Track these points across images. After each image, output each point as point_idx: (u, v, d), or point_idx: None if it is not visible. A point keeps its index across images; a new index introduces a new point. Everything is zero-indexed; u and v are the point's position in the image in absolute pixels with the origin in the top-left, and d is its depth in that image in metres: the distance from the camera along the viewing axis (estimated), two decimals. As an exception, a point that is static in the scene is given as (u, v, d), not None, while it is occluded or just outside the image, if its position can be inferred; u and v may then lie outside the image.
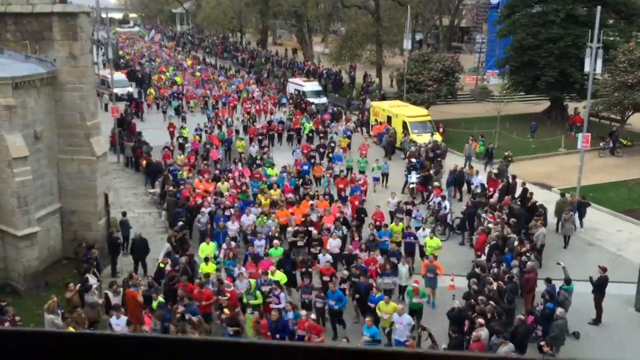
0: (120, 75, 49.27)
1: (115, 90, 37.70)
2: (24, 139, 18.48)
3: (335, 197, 24.67)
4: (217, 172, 27.49)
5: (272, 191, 24.12)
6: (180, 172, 27.04)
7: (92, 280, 16.96)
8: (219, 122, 38.48)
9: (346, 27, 65.16)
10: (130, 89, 48.81)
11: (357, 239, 19.96)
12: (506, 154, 29.49)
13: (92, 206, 20.83)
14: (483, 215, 21.83)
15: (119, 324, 14.82)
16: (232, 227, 20.98)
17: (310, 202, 22.76)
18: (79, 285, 16.48)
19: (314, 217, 21.56)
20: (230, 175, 26.92)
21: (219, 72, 64.36)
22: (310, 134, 36.88)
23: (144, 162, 29.47)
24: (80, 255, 18.95)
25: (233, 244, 19.71)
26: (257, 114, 43.50)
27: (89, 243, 19.47)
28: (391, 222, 21.84)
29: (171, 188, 24.46)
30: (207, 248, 19.14)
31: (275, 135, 36.99)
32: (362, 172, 28.25)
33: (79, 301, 15.94)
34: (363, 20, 55.60)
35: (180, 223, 21.34)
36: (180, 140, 33.73)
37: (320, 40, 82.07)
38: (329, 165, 29.26)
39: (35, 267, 18.87)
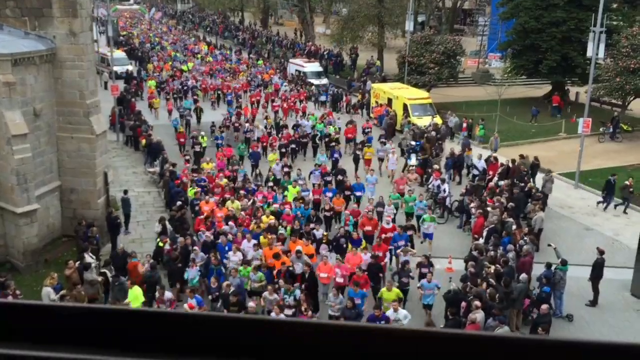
0: (120, 53, 49.11)
1: (115, 68, 37.51)
2: (24, 117, 18.46)
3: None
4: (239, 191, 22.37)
5: (264, 217, 19.65)
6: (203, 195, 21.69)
7: (89, 258, 17.06)
8: (236, 125, 32.81)
9: (348, 8, 64.67)
10: (130, 67, 48.59)
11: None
12: (627, 183, 24.53)
13: (91, 184, 20.87)
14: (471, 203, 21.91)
15: None
16: (234, 258, 17.23)
17: (298, 247, 17.42)
18: (78, 262, 16.60)
19: (297, 268, 16.72)
20: (249, 196, 22.02)
21: (235, 59, 57.28)
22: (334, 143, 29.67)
23: (144, 141, 29.47)
24: (80, 233, 19.04)
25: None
26: (284, 113, 36.68)
27: (89, 221, 19.56)
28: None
29: (170, 167, 24.50)
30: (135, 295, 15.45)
31: (300, 147, 30.47)
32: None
33: (79, 278, 16.06)
34: (365, 1, 55.18)
35: (179, 202, 21.43)
36: (197, 149, 28.38)
37: (321, 21, 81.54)
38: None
39: (34, 245, 18.96)
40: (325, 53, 56.92)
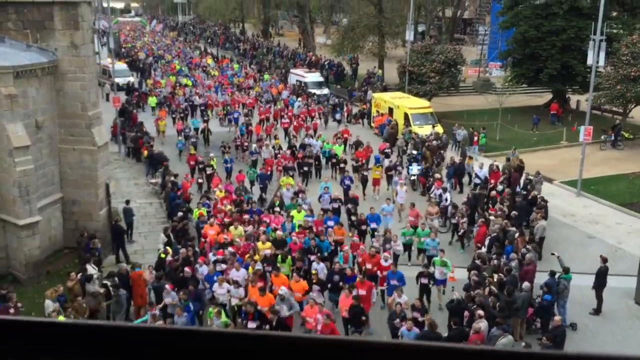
0: (121, 65, 49.31)
1: (117, 80, 37.63)
2: (25, 129, 18.50)
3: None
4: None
5: (259, 243, 18.16)
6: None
7: (92, 270, 17.04)
8: (245, 144, 31.29)
9: (348, 19, 64.96)
10: (132, 79, 48.81)
11: None
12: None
13: (93, 196, 20.87)
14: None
15: None
16: (220, 291, 16.16)
17: (281, 290, 15.41)
18: (79, 274, 16.58)
19: (283, 311, 15.00)
20: (253, 218, 20.67)
21: (242, 73, 54.55)
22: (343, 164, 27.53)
23: (145, 152, 29.52)
24: (82, 244, 19.03)
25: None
26: (295, 131, 34.44)
27: (91, 233, 19.54)
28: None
29: (172, 179, 24.52)
30: None
31: (310, 168, 28.10)
32: (406, 245, 19.68)
33: (80, 290, 16.03)
34: (365, 11, 55.46)
35: (181, 213, 21.42)
36: (209, 171, 26.70)
37: (322, 31, 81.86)
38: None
39: (36, 256, 18.94)
40: (326, 63, 57.11)
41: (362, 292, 15.67)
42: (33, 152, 18.82)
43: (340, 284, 16.29)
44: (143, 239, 22.26)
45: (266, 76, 53.01)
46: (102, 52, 50.64)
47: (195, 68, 57.66)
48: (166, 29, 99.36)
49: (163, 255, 18.27)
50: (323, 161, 29.23)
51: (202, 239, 19.52)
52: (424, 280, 16.47)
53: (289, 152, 28.87)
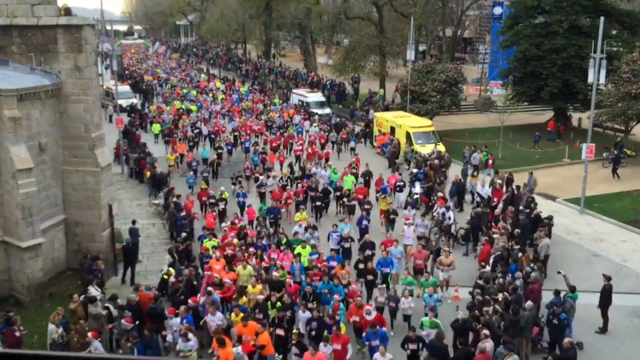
0: (124, 87, 49.67)
1: (120, 102, 37.83)
2: (29, 151, 18.55)
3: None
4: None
5: (250, 287, 16.92)
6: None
7: (95, 292, 16.97)
8: (257, 175, 28.84)
9: (349, 39, 65.42)
10: (135, 101, 49.11)
11: None
12: None
13: (96, 217, 20.86)
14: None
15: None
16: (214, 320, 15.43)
17: (235, 351, 13.98)
18: (82, 296, 16.49)
19: None
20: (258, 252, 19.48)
21: (250, 97, 52.67)
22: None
23: (148, 173, 29.58)
24: (85, 266, 18.97)
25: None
26: (309, 159, 32.77)
27: (94, 254, 19.49)
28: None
29: (174, 199, 24.52)
30: None
31: (321, 204, 26.03)
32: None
33: (83, 312, 15.94)
34: (366, 31, 55.87)
35: (184, 234, 21.39)
36: (222, 206, 24.93)
37: (323, 51, 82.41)
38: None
39: (39, 279, 18.87)
40: (327, 83, 57.41)
41: (337, 346, 14.16)
42: (36, 174, 18.84)
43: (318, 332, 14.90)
44: (146, 260, 22.18)
45: (276, 100, 51.34)
46: (105, 74, 51.01)
47: (202, 92, 55.71)
48: (169, 50, 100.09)
49: (166, 277, 18.20)
50: (331, 194, 26.83)
51: (205, 272, 18.23)
52: (413, 346, 14.51)
53: (300, 185, 26.53)
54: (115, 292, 17.89)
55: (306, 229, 21.38)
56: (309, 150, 34.13)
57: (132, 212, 26.75)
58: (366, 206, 24.09)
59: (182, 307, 15.63)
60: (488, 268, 18.83)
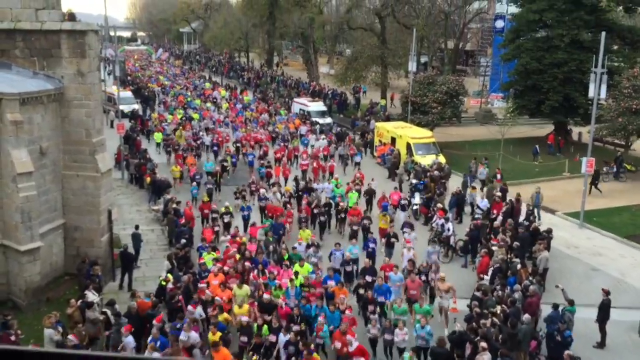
0: (126, 93, 49.73)
1: (121, 107, 37.89)
2: (30, 155, 18.56)
3: None
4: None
5: (236, 307, 16.39)
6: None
7: (92, 297, 16.92)
8: (259, 187, 27.77)
9: (352, 49, 65.63)
10: (136, 106, 49.16)
11: None
12: None
13: (95, 222, 20.83)
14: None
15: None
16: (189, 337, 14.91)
17: None
18: (80, 301, 16.45)
19: None
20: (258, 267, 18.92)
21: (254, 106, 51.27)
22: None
23: (148, 179, 29.58)
24: (83, 271, 18.93)
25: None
26: (315, 174, 31.80)
27: (92, 259, 19.46)
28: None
29: (174, 206, 24.51)
30: None
31: (325, 219, 24.96)
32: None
33: (80, 317, 15.89)
34: (369, 42, 56.06)
35: (183, 241, 21.35)
36: (227, 219, 24.36)
37: (325, 61, 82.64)
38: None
39: (37, 283, 18.83)
40: (329, 92, 57.52)
41: None
42: (36, 178, 18.84)
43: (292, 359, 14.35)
44: (144, 266, 22.14)
45: (282, 111, 49.71)
46: (108, 79, 51.11)
47: (206, 101, 54.52)
48: (172, 57, 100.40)
49: (164, 283, 18.16)
50: (333, 209, 25.64)
51: (200, 285, 17.55)
52: None
53: (304, 202, 25.47)
54: (113, 297, 17.82)
55: (308, 247, 20.67)
56: (314, 164, 32.66)
57: (132, 217, 26.73)
58: (365, 221, 23.46)
59: (154, 328, 14.91)
60: (486, 280, 18.80)
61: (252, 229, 22.73)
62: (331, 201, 26.12)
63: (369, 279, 18.38)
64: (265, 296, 16.71)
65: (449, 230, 23.17)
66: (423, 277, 18.72)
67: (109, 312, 16.22)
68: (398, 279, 18.41)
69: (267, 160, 33.24)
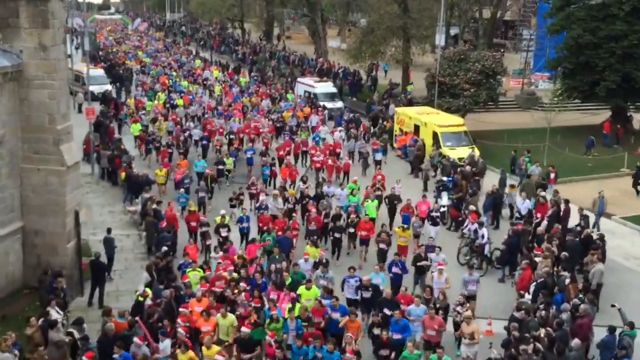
0: (97, 71, 49.72)
1: (92, 88, 37.97)
2: (-18, 144, 18.63)
3: None
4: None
5: (204, 348, 15.53)
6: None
7: (56, 315, 16.97)
8: (259, 190, 27.15)
9: (367, 19, 65.48)
10: (109, 87, 49.15)
11: None
12: None
13: (59, 226, 20.88)
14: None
15: None
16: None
17: None
18: (41, 320, 16.49)
19: None
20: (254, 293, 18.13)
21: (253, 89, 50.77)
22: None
23: (123, 175, 29.61)
24: (45, 284, 18.99)
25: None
26: (329, 173, 31.44)
27: (56, 270, 19.51)
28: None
29: (154, 206, 24.53)
30: None
31: (340, 236, 23.72)
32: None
33: (42, 339, 15.93)
34: (387, 10, 55.83)
35: (165, 248, 21.38)
36: (224, 233, 23.17)
37: (336, 33, 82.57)
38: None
39: (-10, 297, 18.93)
40: (340, 71, 57.47)
41: None
42: (-10, 172, 18.92)
43: None
44: (118, 278, 22.21)
45: (290, 96, 49.32)
46: (76, 55, 51.25)
47: (195, 82, 54.22)
48: (152, 28, 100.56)
49: (141, 299, 18.18)
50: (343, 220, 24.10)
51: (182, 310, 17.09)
52: None
53: (314, 210, 24.42)
54: (81, 315, 17.88)
55: (316, 266, 20.01)
56: (329, 162, 31.81)
57: (103, 220, 26.83)
58: (382, 237, 22.43)
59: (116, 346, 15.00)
60: (528, 298, 18.77)
61: (251, 247, 22.01)
62: (342, 212, 24.60)
63: (387, 312, 17.10)
64: (244, 330, 16.01)
65: (483, 237, 23.12)
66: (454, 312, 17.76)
67: (75, 333, 16.25)
68: (421, 312, 17.17)
69: (271, 157, 32.16)
